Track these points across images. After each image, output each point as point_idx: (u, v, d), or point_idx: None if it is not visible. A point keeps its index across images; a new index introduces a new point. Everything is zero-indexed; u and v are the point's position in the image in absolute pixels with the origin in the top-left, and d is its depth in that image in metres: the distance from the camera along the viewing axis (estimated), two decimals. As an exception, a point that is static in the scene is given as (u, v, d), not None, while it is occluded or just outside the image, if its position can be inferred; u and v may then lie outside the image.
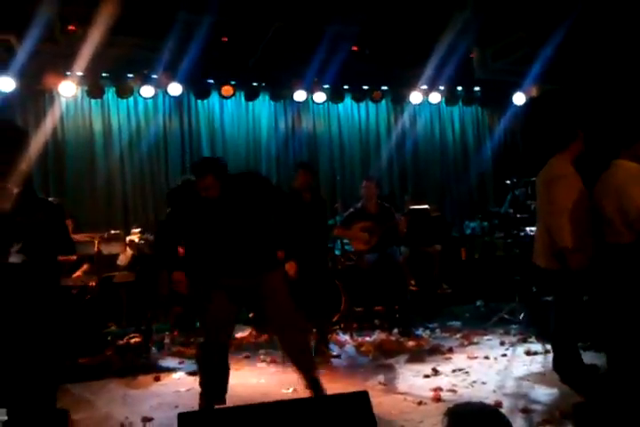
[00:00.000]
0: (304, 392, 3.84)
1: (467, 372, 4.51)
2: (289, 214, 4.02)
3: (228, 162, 8.39)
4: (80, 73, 6.83)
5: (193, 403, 3.86)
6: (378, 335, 5.83)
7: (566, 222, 4.02)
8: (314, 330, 5.21)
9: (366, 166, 8.52)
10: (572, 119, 6.54)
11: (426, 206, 6.47)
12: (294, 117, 8.39)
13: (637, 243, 3.86)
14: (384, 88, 8.21)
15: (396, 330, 5.88)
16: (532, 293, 5.97)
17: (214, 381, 3.76)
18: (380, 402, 3.73)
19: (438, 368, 4.58)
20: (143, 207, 7.64)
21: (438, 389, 4.06)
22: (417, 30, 6.99)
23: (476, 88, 8.63)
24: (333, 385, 4.02)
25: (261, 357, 5.19)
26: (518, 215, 6.39)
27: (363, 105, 8.61)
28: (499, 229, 6.93)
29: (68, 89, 6.84)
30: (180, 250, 3.91)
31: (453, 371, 4.54)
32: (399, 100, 8.40)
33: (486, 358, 4.91)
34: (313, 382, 3.78)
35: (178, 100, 7.74)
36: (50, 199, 3.68)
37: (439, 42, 6.95)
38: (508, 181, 6.77)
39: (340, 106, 8.51)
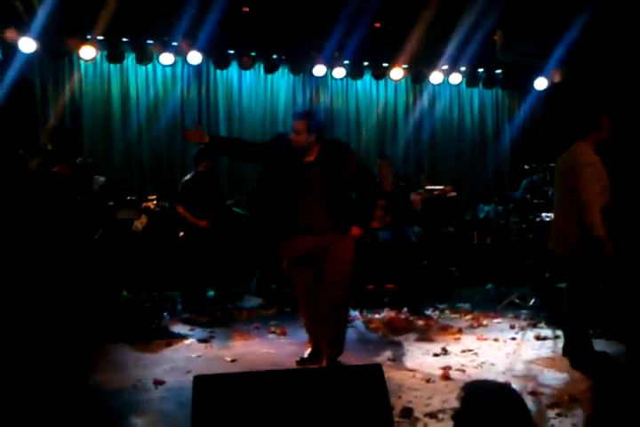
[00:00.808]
0: (314, 364, 3.86)
1: (476, 353, 4.51)
2: (369, 196, 4.32)
3: (245, 134, 8.39)
4: (100, 37, 6.79)
5: (203, 368, 3.91)
6: (387, 313, 5.84)
7: (598, 211, 3.99)
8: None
9: (382, 146, 8.43)
10: (595, 106, 6.43)
11: (441, 187, 6.42)
12: (312, 92, 8.29)
13: None
14: (404, 66, 8.10)
15: (405, 309, 5.89)
16: (544, 278, 5.94)
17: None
18: (389, 378, 3.69)
19: (447, 348, 4.58)
20: (159, 175, 7.62)
21: (447, 367, 4.07)
22: (440, 9, 6.87)
23: (498, 71, 8.50)
24: (342, 360, 4.04)
25: (272, 328, 5.21)
26: (535, 201, 6.33)
27: (382, 83, 8.49)
28: (514, 214, 6.88)
29: (88, 52, 6.77)
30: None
31: (462, 351, 4.54)
32: (419, 79, 8.29)
33: (495, 340, 4.91)
34: (325, 353, 3.85)
35: (197, 69, 7.66)
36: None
37: (462, 22, 6.83)
38: (527, 166, 6.70)
39: (359, 83, 8.41)
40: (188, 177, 6.09)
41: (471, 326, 5.40)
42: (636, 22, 6.36)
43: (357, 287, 5.95)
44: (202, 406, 1.98)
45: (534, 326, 5.38)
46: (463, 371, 4.06)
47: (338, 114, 8.42)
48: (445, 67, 8.07)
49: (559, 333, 4.95)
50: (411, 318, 5.64)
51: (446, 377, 3.90)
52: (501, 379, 3.84)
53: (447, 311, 6.01)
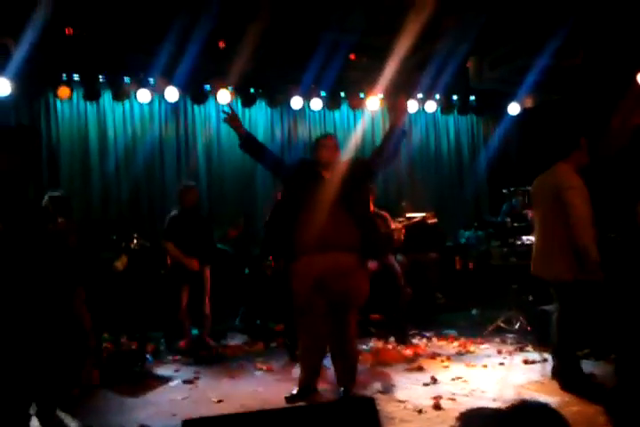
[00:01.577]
0: (303, 401, 3.81)
1: (465, 380, 4.48)
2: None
3: (224, 169, 8.38)
4: (76, 76, 6.81)
5: (190, 411, 3.83)
6: (374, 343, 5.81)
7: (591, 233, 3.97)
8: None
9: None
10: (576, 127, 6.56)
11: (423, 214, 6.46)
12: (290, 125, 8.38)
13: None
14: (380, 96, 8.22)
15: (392, 338, 5.86)
16: (529, 301, 5.96)
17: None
18: (380, 410, 3.68)
19: (437, 377, 4.55)
20: (138, 213, 7.55)
21: (438, 397, 4.03)
22: (413, 39, 7.02)
23: (472, 97, 8.67)
24: (332, 394, 4.00)
25: (258, 365, 5.14)
26: (515, 224, 6.39)
27: (359, 113, 8.61)
28: (495, 238, 6.93)
29: (63, 92, 6.78)
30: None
31: (452, 379, 4.51)
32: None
33: (484, 366, 4.89)
34: (345, 385, 3.97)
35: (174, 105, 7.69)
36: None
37: (435, 51, 6.98)
38: (505, 190, 6.78)
39: (337, 113, 8.52)
40: (173, 213, 5.90)
41: (459, 353, 5.38)
42: (608, 45, 6.56)
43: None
44: (191, 452, 1.94)
45: (521, 349, 5.37)
46: (454, 400, 4.02)
47: (316, 145, 8.47)
48: (420, 95, 8.22)
49: (546, 356, 4.96)
50: (398, 348, 5.61)
51: (437, 407, 3.87)
52: (493, 406, 3.80)
53: (434, 339, 5.99)
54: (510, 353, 5.28)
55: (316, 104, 7.94)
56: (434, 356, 5.28)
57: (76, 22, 6.24)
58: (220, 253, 6.44)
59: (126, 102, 7.45)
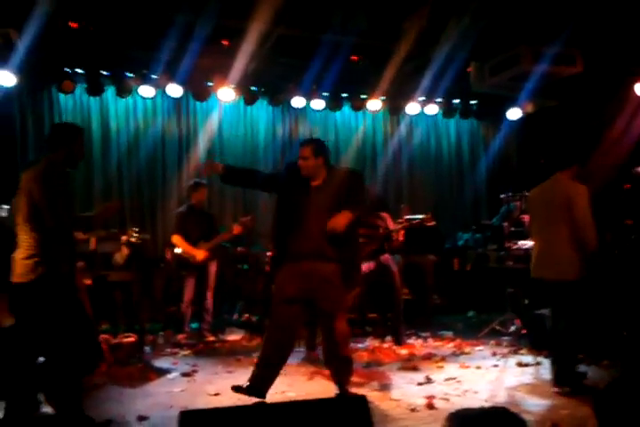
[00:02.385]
0: (297, 397, 3.85)
1: (459, 381, 4.51)
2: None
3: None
4: (80, 70, 6.84)
5: (187, 403, 3.87)
6: (370, 342, 5.85)
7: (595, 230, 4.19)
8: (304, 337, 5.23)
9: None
10: (574, 136, 6.63)
11: (421, 216, 6.49)
12: (292, 124, 8.42)
13: None
14: (382, 98, 8.26)
15: (388, 338, 5.90)
16: (524, 305, 6.01)
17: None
18: (374, 408, 3.73)
19: (431, 376, 4.59)
20: (140, 208, 7.61)
21: (431, 396, 4.07)
22: (416, 42, 7.05)
23: (473, 102, 8.71)
24: (326, 391, 4.04)
25: (255, 360, 5.15)
26: (512, 229, 6.44)
27: (360, 114, 8.65)
28: (492, 241, 6.98)
29: (67, 86, 6.81)
30: None
31: (446, 380, 4.55)
32: (396, 110, 8.46)
33: (478, 368, 4.93)
34: (342, 383, 3.96)
35: (177, 101, 7.73)
36: None
37: (437, 54, 7.02)
38: (503, 195, 6.83)
39: (338, 114, 8.56)
40: (181, 209, 6.16)
41: (454, 354, 5.42)
42: (606, 52, 6.61)
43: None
44: (188, 442, 1.98)
45: (516, 352, 5.41)
46: (447, 400, 4.06)
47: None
48: (422, 98, 8.25)
49: (540, 359, 5.02)
50: (394, 348, 5.65)
51: (430, 406, 3.91)
52: (483, 406, 3.86)
53: (430, 339, 6.04)
54: (504, 356, 5.32)
55: (318, 104, 7.97)
56: (429, 356, 5.32)
57: (80, 17, 6.25)
58: (220, 249, 6.50)
59: (129, 97, 7.47)
